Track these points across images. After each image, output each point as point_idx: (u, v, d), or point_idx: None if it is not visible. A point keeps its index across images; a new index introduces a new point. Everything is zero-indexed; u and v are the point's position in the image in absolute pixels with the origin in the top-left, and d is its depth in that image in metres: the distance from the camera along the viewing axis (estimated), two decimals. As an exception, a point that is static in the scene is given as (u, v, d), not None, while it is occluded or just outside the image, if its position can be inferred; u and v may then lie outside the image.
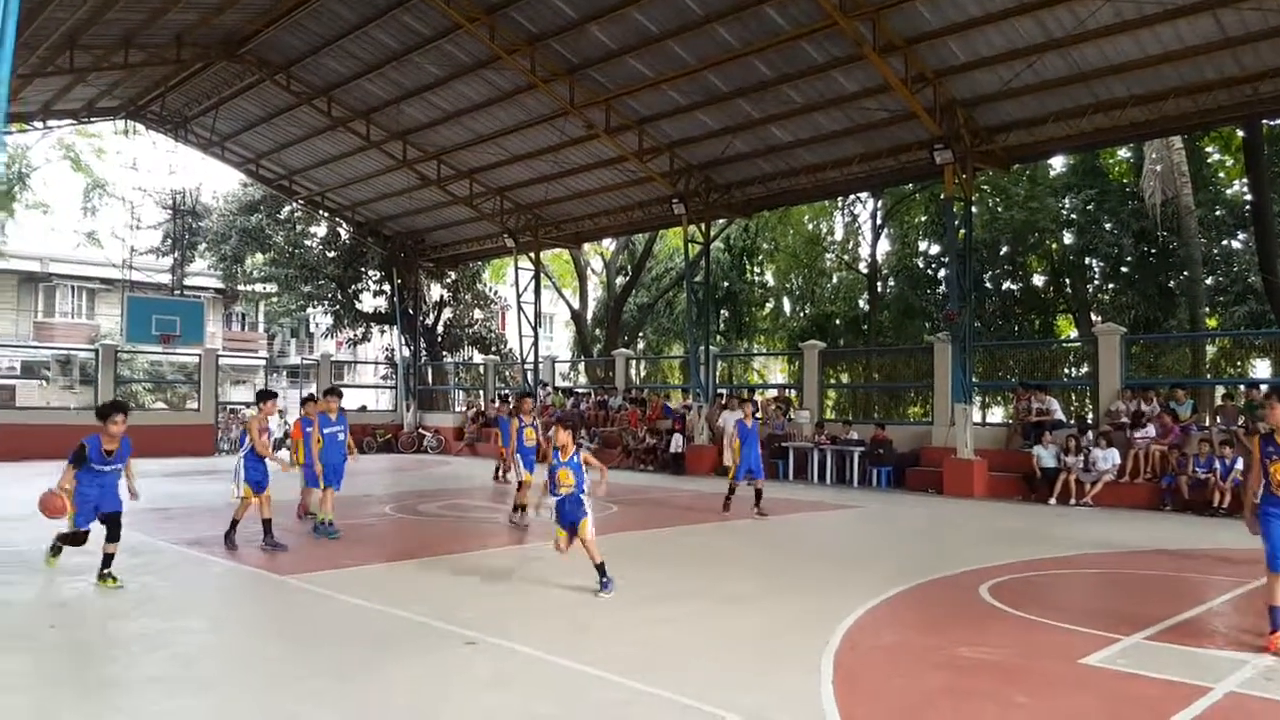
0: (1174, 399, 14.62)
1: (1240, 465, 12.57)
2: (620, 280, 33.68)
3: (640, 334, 34.99)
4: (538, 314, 25.47)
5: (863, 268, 30.32)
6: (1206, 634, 5.97)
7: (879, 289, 29.16)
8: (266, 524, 8.64)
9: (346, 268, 30.60)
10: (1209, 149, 24.57)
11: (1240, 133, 20.99)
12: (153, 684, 4.68)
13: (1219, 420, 14.46)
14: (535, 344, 24.87)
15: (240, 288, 36.34)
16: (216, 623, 6.16)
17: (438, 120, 20.36)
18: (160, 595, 6.79)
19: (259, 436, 8.48)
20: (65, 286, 40.53)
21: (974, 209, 17.12)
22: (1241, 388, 16.69)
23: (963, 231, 16.45)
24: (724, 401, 18.99)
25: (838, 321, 29.34)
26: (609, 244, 32.63)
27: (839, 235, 32.00)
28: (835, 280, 31.43)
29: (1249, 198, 21.80)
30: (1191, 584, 7.95)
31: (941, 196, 19.86)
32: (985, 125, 15.69)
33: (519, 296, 24.77)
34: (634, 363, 27.96)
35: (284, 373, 40.77)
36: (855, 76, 15.35)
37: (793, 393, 21.58)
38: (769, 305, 33.26)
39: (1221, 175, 24.99)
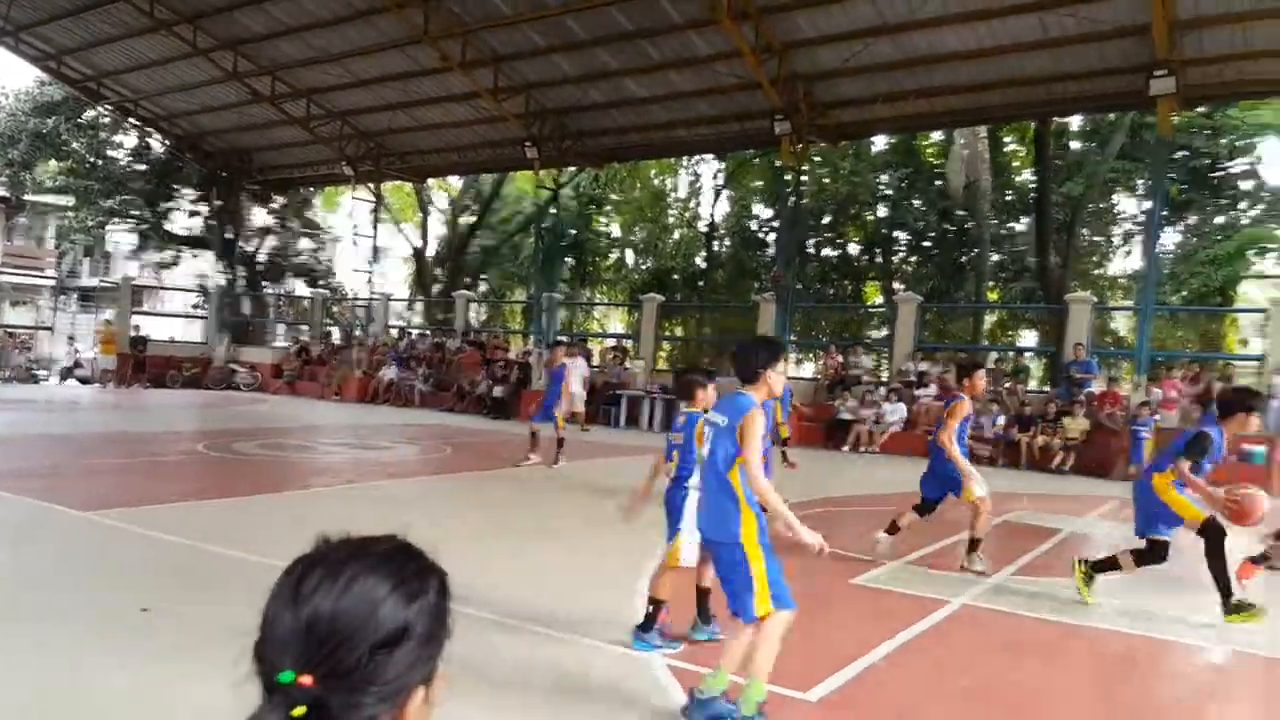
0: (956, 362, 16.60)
1: (1002, 421, 14.59)
2: (465, 220, 33.10)
3: (483, 276, 34.63)
4: (374, 248, 24.75)
5: (702, 226, 31.52)
6: (955, 559, 7.15)
7: (715, 248, 30.48)
8: None
9: (158, 184, 28.25)
10: (1007, 139, 27.27)
11: (1034, 125, 23.50)
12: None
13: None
14: (370, 279, 24.21)
15: (28, 197, 32.66)
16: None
17: (277, 33, 19.16)
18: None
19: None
20: None
21: (805, 179, 18.32)
22: (1010, 354, 19.11)
23: (793, 199, 17.61)
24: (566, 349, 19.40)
25: (676, 276, 30.45)
26: (455, 181, 31.93)
27: (682, 193, 33.04)
28: (676, 236, 32.52)
29: (1035, 185, 24.53)
30: (952, 520, 9.31)
31: (777, 164, 21.11)
32: (821, 100, 16.79)
33: (354, 228, 23.92)
34: (475, 305, 27.78)
35: (75, 295, 36.98)
36: (710, 40, 15.93)
37: (629, 342, 22.38)
38: (613, 256, 33.89)
39: (1016, 164, 27.83)
